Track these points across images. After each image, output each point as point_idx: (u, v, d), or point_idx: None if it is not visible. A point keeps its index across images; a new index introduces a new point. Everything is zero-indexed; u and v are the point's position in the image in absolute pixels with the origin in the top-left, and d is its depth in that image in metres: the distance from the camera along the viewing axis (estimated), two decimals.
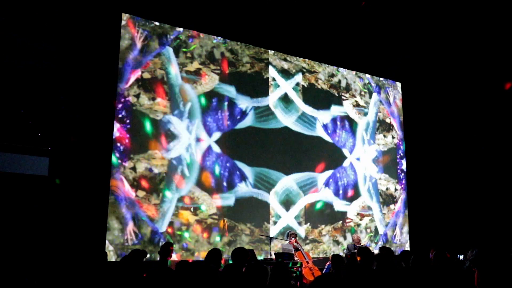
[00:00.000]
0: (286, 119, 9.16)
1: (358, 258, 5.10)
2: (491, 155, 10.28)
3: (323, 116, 9.69)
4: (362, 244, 8.81)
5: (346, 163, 9.84)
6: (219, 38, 8.58)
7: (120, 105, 7.35)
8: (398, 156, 10.79)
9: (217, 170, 8.12)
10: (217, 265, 4.73)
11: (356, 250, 6.11)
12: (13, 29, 6.50)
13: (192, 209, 7.74)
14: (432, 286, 4.10)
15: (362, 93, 10.43)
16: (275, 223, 8.60)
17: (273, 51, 9.23)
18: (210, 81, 8.33)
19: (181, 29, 8.17)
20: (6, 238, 6.07)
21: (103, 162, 7.07)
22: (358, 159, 10.03)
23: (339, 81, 10.12)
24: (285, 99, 9.24)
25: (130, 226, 7.13)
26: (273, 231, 8.51)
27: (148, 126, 7.57)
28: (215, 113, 8.30)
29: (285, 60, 9.38)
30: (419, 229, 10.46)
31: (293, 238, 7.81)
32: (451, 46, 10.03)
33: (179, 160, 7.75)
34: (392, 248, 8.00)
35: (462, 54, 10.20)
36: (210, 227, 7.89)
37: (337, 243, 9.30)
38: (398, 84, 11.23)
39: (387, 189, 10.41)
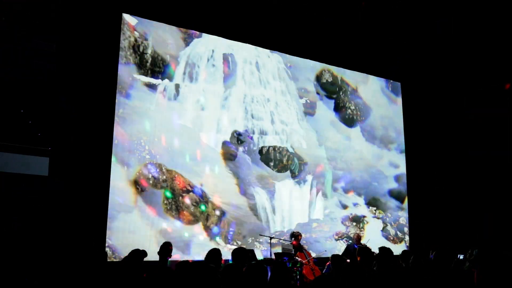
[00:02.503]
0: None
1: (358, 258, 5.11)
2: (491, 155, 10.28)
3: None
4: (362, 243, 8.79)
5: None
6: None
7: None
8: None
9: None
10: (217, 265, 4.73)
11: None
12: (13, 29, 6.50)
13: None
14: (432, 286, 4.10)
15: None
16: None
17: None
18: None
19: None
20: (6, 238, 6.07)
21: (103, 162, 7.06)
22: None
23: None
24: None
25: None
26: None
27: None
28: None
29: None
30: (419, 229, 10.44)
31: (293, 239, 7.81)
32: (451, 46, 10.03)
33: None
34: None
35: (462, 54, 10.20)
36: None
37: None
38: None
39: None
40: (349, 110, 10.16)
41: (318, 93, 9.71)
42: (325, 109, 9.77)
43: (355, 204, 9.79)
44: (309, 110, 9.51)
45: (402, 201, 10.54)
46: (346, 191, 9.73)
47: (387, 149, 10.59)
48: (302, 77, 9.56)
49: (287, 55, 9.43)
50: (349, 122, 10.10)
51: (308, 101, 9.55)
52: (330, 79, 10.00)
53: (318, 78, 9.84)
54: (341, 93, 10.09)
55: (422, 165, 10.77)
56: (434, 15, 9.01)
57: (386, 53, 10.33)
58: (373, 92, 10.65)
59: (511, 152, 10.01)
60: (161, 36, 7.97)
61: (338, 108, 9.99)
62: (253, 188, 8.48)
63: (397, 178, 10.60)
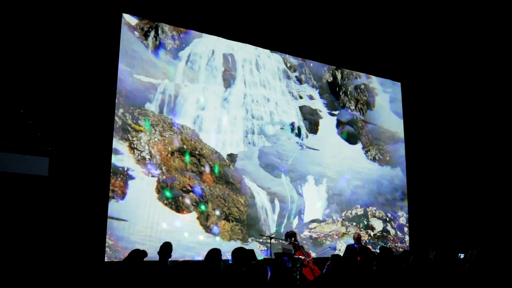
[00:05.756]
0: None
1: (358, 258, 5.11)
2: (492, 155, 10.29)
3: None
4: (363, 241, 8.78)
5: None
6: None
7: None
8: None
9: None
10: (217, 265, 4.73)
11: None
12: (13, 29, 6.50)
13: None
14: (432, 286, 4.10)
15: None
16: None
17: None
18: None
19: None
20: (6, 238, 6.06)
21: (103, 162, 7.06)
22: None
23: None
24: None
25: None
26: None
27: None
28: None
29: None
30: (419, 229, 10.45)
31: (293, 239, 7.79)
32: (451, 46, 10.04)
33: None
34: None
35: (462, 54, 10.20)
36: None
37: None
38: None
39: None
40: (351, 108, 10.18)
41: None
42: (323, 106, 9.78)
43: (354, 204, 9.81)
44: (308, 110, 9.52)
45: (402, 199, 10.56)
46: (345, 190, 9.74)
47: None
48: (302, 77, 9.57)
49: (287, 55, 9.43)
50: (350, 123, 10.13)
51: (308, 101, 9.56)
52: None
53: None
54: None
55: (422, 165, 10.77)
56: (434, 14, 9.01)
57: (386, 53, 10.33)
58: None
59: (511, 152, 10.01)
60: (161, 36, 7.97)
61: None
62: (253, 188, 8.48)
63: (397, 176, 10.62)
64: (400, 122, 10.89)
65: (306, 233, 8.96)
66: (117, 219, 7.05)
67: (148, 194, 7.41)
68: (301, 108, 9.41)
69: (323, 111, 9.75)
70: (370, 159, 10.25)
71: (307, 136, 9.37)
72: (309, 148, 9.37)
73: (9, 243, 6.06)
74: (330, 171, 9.58)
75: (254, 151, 8.65)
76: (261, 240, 8.31)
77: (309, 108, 9.55)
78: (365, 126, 10.33)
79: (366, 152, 10.23)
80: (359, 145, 10.15)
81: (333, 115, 9.89)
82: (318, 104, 9.69)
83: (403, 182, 10.65)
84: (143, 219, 7.30)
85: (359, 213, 9.83)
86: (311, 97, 9.62)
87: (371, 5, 8.71)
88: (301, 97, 9.46)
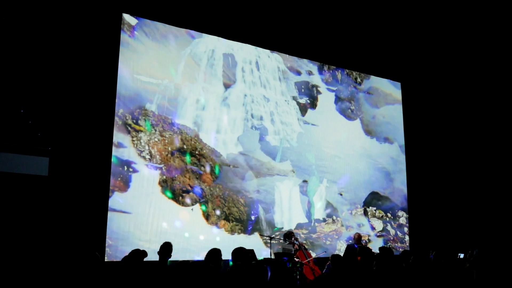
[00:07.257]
0: None
1: (358, 258, 5.11)
2: (492, 155, 10.29)
3: None
4: (363, 242, 8.78)
5: None
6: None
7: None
8: None
9: None
10: (217, 265, 4.73)
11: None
12: (13, 29, 6.50)
13: None
14: (432, 286, 4.10)
15: None
16: None
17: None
18: None
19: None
20: (6, 238, 6.06)
21: (103, 162, 7.06)
22: None
23: None
24: None
25: None
26: None
27: None
28: None
29: None
30: (419, 229, 10.45)
31: (292, 239, 7.79)
32: (451, 46, 10.04)
33: None
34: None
35: (462, 53, 10.20)
36: None
37: None
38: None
39: None
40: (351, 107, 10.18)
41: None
42: (324, 107, 9.78)
43: (354, 204, 9.81)
44: (308, 108, 9.52)
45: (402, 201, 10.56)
46: (346, 190, 9.74)
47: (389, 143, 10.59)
48: (302, 76, 9.57)
49: (288, 55, 9.43)
50: (350, 116, 10.13)
51: (308, 101, 9.55)
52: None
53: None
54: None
55: (422, 165, 10.76)
56: (434, 14, 9.02)
57: (386, 53, 10.33)
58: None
59: (511, 152, 10.01)
60: (161, 36, 7.97)
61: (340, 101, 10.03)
62: (253, 187, 8.48)
63: (397, 176, 10.62)
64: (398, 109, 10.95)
65: (305, 232, 8.96)
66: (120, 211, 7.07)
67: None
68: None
69: (322, 86, 9.79)
70: (371, 158, 10.26)
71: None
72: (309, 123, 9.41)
73: (9, 243, 6.06)
74: (331, 171, 9.58)
75: (254, 150, 8.65)
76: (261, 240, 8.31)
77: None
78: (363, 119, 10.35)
79: (366, 152, 10.24)
80: (360, 145, 10.14)
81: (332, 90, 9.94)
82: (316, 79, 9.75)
83: (403, 181, 10.65)
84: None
85: (359, 213, 9.83)
86: (309, 73, 9.65)
87: (371, 5, 8.71)
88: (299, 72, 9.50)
